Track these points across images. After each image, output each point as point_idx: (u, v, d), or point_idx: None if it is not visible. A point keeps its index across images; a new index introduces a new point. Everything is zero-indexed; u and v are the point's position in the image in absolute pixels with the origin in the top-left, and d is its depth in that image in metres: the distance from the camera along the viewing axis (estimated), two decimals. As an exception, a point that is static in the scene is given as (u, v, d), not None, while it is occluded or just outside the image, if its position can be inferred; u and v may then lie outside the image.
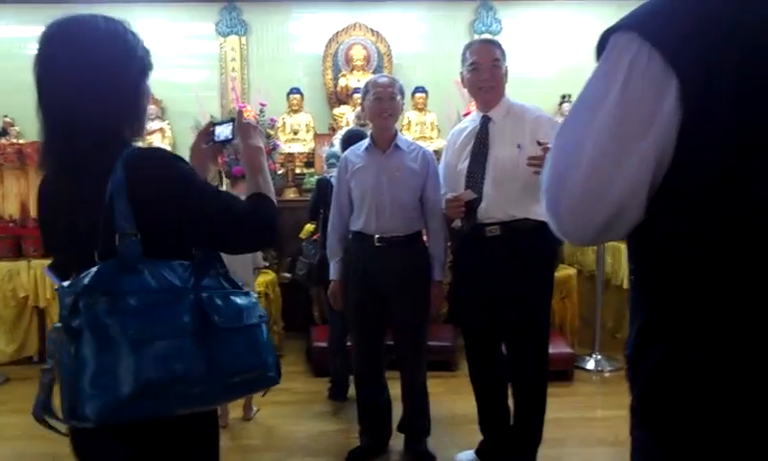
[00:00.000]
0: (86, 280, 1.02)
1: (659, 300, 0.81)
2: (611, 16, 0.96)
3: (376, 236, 2.65)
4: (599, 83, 0.78)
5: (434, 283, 2.69)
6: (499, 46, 2.52)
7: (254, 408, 3.45)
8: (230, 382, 1.10)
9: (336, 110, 5.70)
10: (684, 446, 0.81)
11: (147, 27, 5.26)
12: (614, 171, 0.75)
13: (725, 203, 0.73)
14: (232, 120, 1.37)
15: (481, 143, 2.49)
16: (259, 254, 3.45)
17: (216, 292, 1.12)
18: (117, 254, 1.04)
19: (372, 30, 5.78)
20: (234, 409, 3.36)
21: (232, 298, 1.14)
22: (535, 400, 2.52)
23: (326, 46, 5.79)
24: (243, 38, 5.75)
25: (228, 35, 5.73)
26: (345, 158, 2.78)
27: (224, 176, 4.42)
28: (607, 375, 4.07)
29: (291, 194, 5.23)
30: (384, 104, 2.61)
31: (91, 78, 1.10)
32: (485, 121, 2.51)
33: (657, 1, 0.78)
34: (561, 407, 3.29)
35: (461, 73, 2.56)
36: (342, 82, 5.74)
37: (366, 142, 2.73)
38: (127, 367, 0.98)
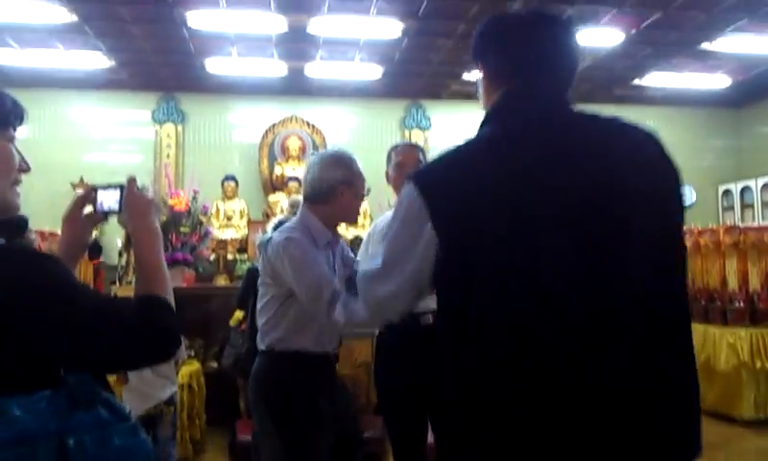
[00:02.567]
0: None
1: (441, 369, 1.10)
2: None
3: (334, 354, 2.14)
4: (395, 212, 1.13)
5: None
6: (422, 150, 2.74)
7: (171, 510, 3.25)
8: None
9: (271, 197, 5.79)
10: None
11: (83, 112, 5.26)
12: (394, 269, 1.10)
13: (464, 299, 1.01)
14: (121, 187, 1.06)
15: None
16: (182, 346, 3.36)
17: (90, 432, 0.85)
18: None
19: (307, 122, 6.00)
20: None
21: (113, 439, 0.87)
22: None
23: (263, 136, 5.95)
24: (179, 126, 5.83)
25: (165, 122, 5.80)
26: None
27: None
28: None
29: (222, 281, 5.17)
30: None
31: None
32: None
33: (440, 168, 1.11)
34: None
35: (386, 172, 2.72)
36: (277, 170, 5.87)
37: (323, 234, 1.95)
38: None
